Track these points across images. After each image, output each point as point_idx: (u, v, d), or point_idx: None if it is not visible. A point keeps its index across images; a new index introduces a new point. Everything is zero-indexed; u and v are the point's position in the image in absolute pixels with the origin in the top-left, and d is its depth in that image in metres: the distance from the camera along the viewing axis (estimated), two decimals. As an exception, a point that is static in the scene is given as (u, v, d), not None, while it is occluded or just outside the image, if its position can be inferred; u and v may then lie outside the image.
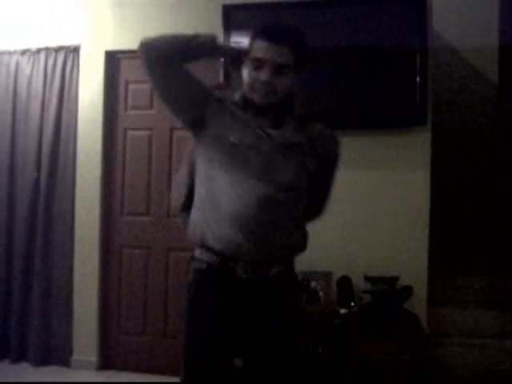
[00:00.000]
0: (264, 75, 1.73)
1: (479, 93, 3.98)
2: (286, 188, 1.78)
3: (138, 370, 3.85)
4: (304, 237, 1.88)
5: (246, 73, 1.78)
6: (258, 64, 1.74)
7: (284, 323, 1.81)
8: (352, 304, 3.15)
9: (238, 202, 1.73)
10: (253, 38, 1.77)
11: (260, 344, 1.80)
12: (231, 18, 3.41)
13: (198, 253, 1.84)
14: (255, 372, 1.83)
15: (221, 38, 1.84)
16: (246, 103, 1.82)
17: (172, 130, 3.86)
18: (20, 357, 4.00)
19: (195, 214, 1.85)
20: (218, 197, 1.77)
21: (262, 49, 1.73)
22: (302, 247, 1.88)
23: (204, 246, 1.80)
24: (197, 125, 1.84)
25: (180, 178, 2.04)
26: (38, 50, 4.05)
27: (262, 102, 1.77)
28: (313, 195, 1.91)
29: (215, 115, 1.82)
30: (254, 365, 1.83)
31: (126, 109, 4.00)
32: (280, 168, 1.79)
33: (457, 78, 3.93)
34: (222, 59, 1.99)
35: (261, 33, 1.76)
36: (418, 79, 3.20)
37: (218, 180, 1.78)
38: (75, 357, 3.94)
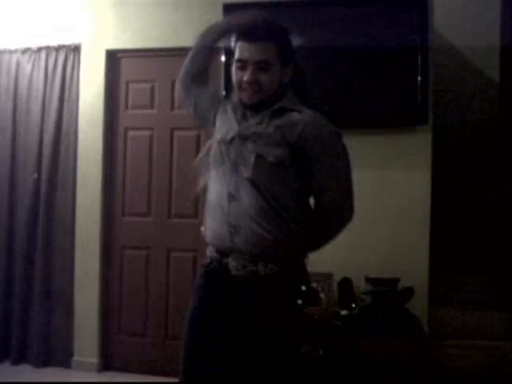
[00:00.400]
0: (247, 75, 1.78)
1: (480, 92, 3.96)
2: (249, 181, 1.79)
3: (139, 371, 3.84)
4: (288, 236, 1.80)
5: (233, 75, 1.85)
6: (242, 65, 1.79)
7: (265, 325, 1.78)
8: (353, 305, 3.13)
9: (218, 197, 1.82)
10: (236, 41, 1.83)
11: (241, 345, 1.80)
12: (232, 17, 3.38)
13: (207, 251, 1.94)
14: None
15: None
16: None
17: (173, 129, 3.85)
18: (21, 358, 3.99)
19: (205, 213, 1.95)
20: (209, 194, 1.88)
21: (243, 50, 1.79)
22: (281, 245, 1.80)
23: (207, 242, 1.91)
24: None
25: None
26: (39, 49, 4.04)
27: (250, 101, 1.81)
28: (318, 205, 1.85)
29: (218, 117, 1.95)
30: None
31: (126, 108, 3.99)
32: (243, 161, 1.81)
33: (458, 78, 3.91)
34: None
35: (240, 34, 1.81)
36: (419, 79, 3.18)
37: (211, 178, 1.88)
38: (76, 358, 3.93)
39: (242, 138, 1.83)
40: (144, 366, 3.84)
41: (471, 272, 3.51)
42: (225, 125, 1.90)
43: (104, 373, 3.92)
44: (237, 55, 1.80)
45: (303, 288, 1.85)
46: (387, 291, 3.08)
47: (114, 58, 3.98)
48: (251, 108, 1.84)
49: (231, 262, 1.81)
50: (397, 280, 3.12)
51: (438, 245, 3.33)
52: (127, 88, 3.99)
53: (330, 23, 3.33)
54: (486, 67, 3.90)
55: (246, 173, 1.79)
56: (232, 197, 1.79)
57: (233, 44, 1.85)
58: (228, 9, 3.42)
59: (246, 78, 1.77)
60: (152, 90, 3.92)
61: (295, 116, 1.83)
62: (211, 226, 1.86)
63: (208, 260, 1.89)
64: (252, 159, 1.79)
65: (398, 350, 2.91)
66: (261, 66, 1.77)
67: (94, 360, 3.91)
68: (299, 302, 1.84)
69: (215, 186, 1.85)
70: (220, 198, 1.82)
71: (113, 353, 3.96)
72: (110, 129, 3.99)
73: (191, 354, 1.85)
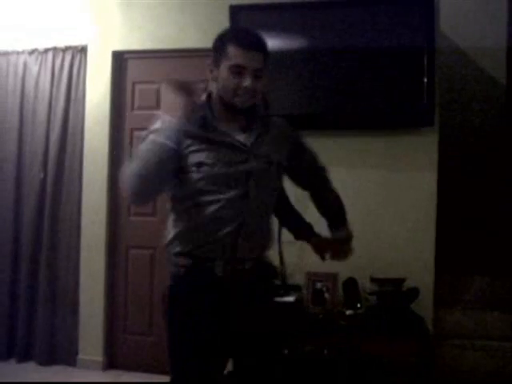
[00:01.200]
0: (247, 81, 1.83)
1: (487, 94, 3.96)
2: (269, 191, 1.99)
3: (144, 369, 3.86)
4: None
5: (223, 78, 1.86)
6: (239, 71, 1.83)
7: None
8: (358, 305, 3.13)
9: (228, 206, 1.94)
10: (227, 44, 1.85)
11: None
12: (238, 19, 3.40)
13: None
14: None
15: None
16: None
17: (178, 130, 3.86)
18: (26, 356, 4.02)
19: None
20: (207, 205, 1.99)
21: (242, 56, 1.83)
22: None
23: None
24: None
25: None
26: (46, 50, 4.07)
27: (244, 105, 1.88)
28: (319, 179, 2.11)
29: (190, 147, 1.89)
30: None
31: (132, 109, 4.01)
32: (265, 175, 1.97)
33: (464, 80, 3.91)
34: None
35: (238, 40, 1.85)
36: (425, 80, 3.18)
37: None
38: (81, 356, 3.95)
39: (255, 153, 1.91)
40: (149, 364, 3.85)
41: (476, 273, 3.52)
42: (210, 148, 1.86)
43: (108, 371, 3.94)
44: (234, 61, 1.83)
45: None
46: (392, 291, 3.09)
47: (120, 59, 4.01)
48: (242, 113, 1.91)
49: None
50: (402, 280, 3.13)
51: (442, 245, 3.34)
52: (133, 89, 4.01)
53: (337, 24, 3.34)
54: (492, 68, 3.90)
55: (273, 184, 1.97)
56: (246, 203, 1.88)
57: (224, 48, 1.86)
58: (235, 10, 3.45)
59: (246, 84, 1.83)
60: (158, 91, 3.93)
61: (274, 119, 2.03)
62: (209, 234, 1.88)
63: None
64: (275, 169, 1.95)
65: (403, 350, 2.92)
66: (257, 74, 1.85)
67: (99, 358, 3.93)
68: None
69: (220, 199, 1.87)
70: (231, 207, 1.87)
71: (117, 351, 3.98)
72: (116, 129, 4.01)
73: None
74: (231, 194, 1.85)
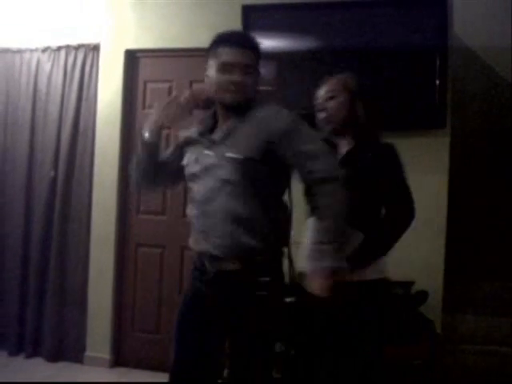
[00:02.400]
0: (236, 76, 1.93)
1: (499, 95, 3.92)
2: None
3: (151, 368, 3.85)
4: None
5: (214, 77, 1.97)
6: (228, 67, 1.93)
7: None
8: (366, 307, 3.11)
9: None
10: (216, 46, 1.97)
11: None
12: (251, 19, 3.41)
13: None
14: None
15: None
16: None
17: (189, 129, 3.87)
18: (34, 351, 4.04)
19: None
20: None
21: (229, 54, 1.94)
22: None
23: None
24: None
25: None
26: (59, 48, 4.08)
27: (234, 101, 1.95)
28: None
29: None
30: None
31: (144, 108, 4.02)
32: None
33: (475, 80, 3.88)
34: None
35: (226, 40, 1.97)
36: (437, 82, 3.17)
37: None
38: (88, 353, 3.97)
39: None
40: (156, 362, 3.84)
41: (487, 277, 3.49)
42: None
43: (116, 369, 3.94)
44: (223, 59, 1.94)
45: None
46: (401, 294, 3.08)
47: (132, 58, 4.02)
48: (234, 108, 1.97)
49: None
50: (411, 283, 3.11)
51: (453, 249, 3.31)
52: (145, 88, 4.02)
53: (347, 25, 3.33)
54: (504, 70, 3.86)
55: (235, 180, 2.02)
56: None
57: (214, 50, 1.98)
58: (247, 10, 3.45)
59: (235, 78, 1.92)
60: (170, 90, 3.94)
61: (260, 110, 2.05)
62: None
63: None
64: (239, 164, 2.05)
65: (411, 353, 2.90)
66: (247, 70, 1.94)
67: (106, 356, 3.94)
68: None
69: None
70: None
71: (125, 349, 3.99)
72: (128, 128, 4.02)
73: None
74: (199, 192, 2.02)
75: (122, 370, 3.93)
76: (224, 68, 1.93)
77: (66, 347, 4.01)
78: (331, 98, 2.29)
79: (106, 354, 3.95)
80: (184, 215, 3.85)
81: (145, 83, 4.02)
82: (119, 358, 4.00)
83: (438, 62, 3.16)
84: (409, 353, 2.90)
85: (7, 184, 4.18)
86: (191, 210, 2.09)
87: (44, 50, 4.12)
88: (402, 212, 2.20)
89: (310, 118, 2.21)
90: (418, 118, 3.27)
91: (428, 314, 3.09)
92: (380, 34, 3.25)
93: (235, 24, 3.40)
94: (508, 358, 3.18)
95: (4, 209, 4.18)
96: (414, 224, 3.31)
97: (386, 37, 3.24)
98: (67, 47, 4.07)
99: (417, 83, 3.24)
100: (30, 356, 4.03)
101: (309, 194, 2.05)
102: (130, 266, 4.01)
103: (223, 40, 1.97)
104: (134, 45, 3.96)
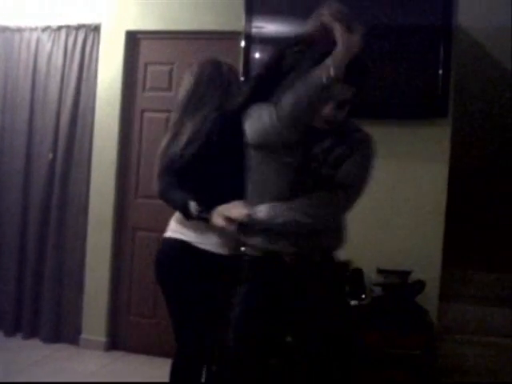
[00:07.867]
0: None
1: (502, 86, 3.89)
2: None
3: (146, 352, 3.87)
4: None
5: None
6: None
7: None
8: (363, 296, 3.12)
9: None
10: None
11: None
12: (253, 2, 3.35)
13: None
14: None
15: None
16: None
17: (189, 113, 3.83)
18: (32, 332, 4.06)
19: None
20: None
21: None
22: None
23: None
24: None
25: None
26: (59, 28, 4.04)
27: None
28: None
29: None
30: None
31: (144, 90, 3.99)
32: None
33: (477, 70, 3.85)
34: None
35: None
36: (440, 72, 3.13)
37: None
38: (84, 336, 3.98)
39: None
40: (151, 346, 3.86)
41: (483, 268, 3.49)
42: None
43: (111, 352, 3.95)
44: None
45: None
46: (398, 283, 3.07)
47: (133, 39, 3.97)
48: None
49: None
50: (408, 273, 3.11)
51: (451, 239, 3.30)
52: (145, 70, 3.98)
53: (352, 13, 3.29)
54: (507, 60, 3.83)
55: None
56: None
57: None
58: (250, -6, 3.39)
59: None
60: (170, 72, 3.91)
61: None
62: None
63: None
64: None
65: (407, 342, 2.90)
66: None
67: (102, 339, 3.95)
68: None
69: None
70: None
71: (121, 332, 4.00)
72: (127, 110, 3.99)
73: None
74: None
75: (118, 353, 3.94)
76: None
77: (63, 329, 4.03)
78: None
79: (101, 336, 3.96)
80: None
81: (145, 65, 3.98)
82: (115, 342, 4.01)
83: (441, 52, 3.12)
84: (403, 342, 2.90)
85: (5, 165, 4.16)
86: None
87: (44, 30, 4.07)
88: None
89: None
90: (421, 107, 3.23)
91: (424, 304, 3.09)
92: (383, 22, 3.20)
93: (238, 7, 3.37)
94: (504, 348, 3.19)
95: (2, 190, 4.17)
96: (412, 213, 3.34)
97: (390, 25, 3.20)
98: (68, 27, 4.02)
99: (420, 73, 3.20)
100: (27, 337, 4.04)
101: None
102: (128, 250, 4.00)
103: None
104: (135, 26, 3.92)
